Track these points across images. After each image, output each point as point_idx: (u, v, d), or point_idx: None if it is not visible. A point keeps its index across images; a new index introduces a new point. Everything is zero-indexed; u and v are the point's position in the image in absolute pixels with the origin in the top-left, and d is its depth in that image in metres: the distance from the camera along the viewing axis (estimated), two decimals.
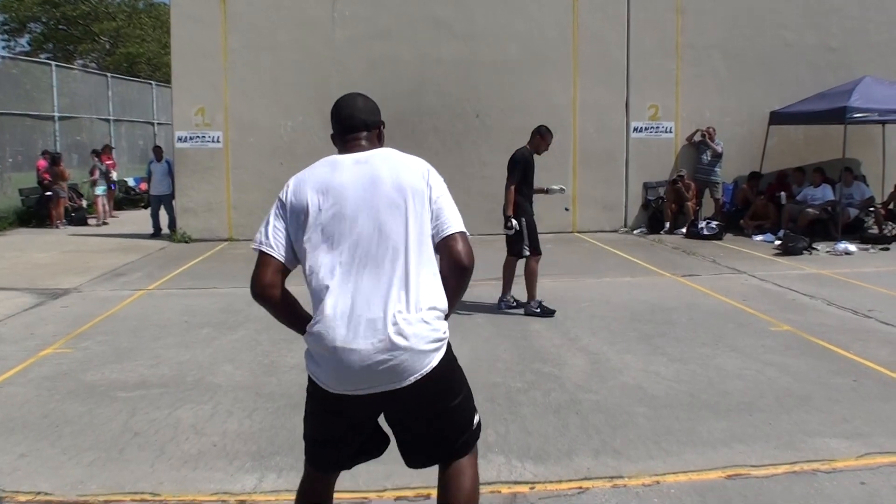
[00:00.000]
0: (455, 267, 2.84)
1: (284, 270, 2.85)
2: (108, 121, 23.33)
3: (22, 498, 3.99)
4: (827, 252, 12.37)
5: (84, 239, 15.18)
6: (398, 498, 3.93)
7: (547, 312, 8.23)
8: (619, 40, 15.35)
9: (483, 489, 2.92)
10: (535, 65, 15.15)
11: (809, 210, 13.86)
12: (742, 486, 4.07)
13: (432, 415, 2.86)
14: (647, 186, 15.68)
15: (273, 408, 5.37)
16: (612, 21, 15.32)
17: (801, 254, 12.17)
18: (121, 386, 5.89)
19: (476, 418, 3.01)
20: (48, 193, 17.30)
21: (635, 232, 15.39)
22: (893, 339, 7.12)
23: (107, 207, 18.61)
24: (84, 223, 17.83)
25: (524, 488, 4.09)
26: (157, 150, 16.30)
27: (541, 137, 8.56)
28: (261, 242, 2.85)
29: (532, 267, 8.37)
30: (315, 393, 2.86)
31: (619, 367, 6.32)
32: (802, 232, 13.18)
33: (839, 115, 13.37)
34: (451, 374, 2.89)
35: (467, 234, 2.90)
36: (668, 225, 15.13)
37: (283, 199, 2.89)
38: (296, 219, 2.83)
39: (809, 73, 15.31)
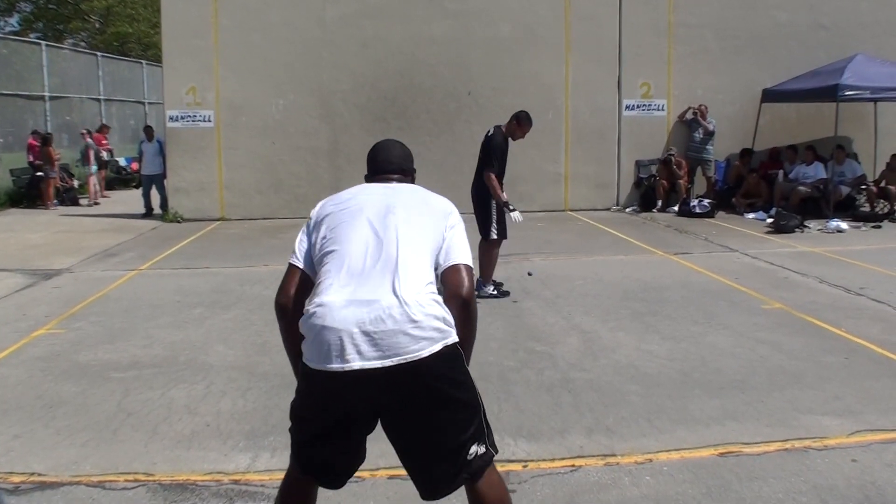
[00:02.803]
0: (452, 295, 2.74)
1: (307, 280, 2.88)
2: (98, 100, 23.15)
3: (16, 479, 3.99)
4: (819, 230, 12.40)
5: (75, 219, 15.12)
6: (391, 476, 3.94)
7: (504, 294, 8.11)
8: (612, 18, 15.27)
9: None
10: (528, 43, 15.07)
11: (801, 188, 13.87)
12: (734, 464, 4.10)
13: (425, 415, 2.67)
14: (639, 164, 15.67)
15: (266, 387, 5.37)
16: None
17: (793, 232, 12.19)
18: (114, 366, 5.89)
19: (486, 443, 2.79)
20: (39, 174, 17.20)
21: (627, 210, 15.40)
22: (884, 317, 7.16)
23: (98, 187, 18.52)
24: (75, 203, 17.75)
25: (517, 466, 4.10)
26: (148, 130, 16.17)
27: (518, 124, 8.08)
28: (292, 255, 2.93)
29: (494, 251, 8.11)
30: (302, 378, 2.79)
31: (611, 345, 6.34)
32: (794, 210, 13.19)
33: (831, 93, 13.35)
34: (452, 375, 2.70)
35: (472, 269, 2.86)
36: (660, 203, 15.13)
37: (311, 216, 2.99)
38: (317, 228, 2.91)
39: (802, 52, 15.25)
